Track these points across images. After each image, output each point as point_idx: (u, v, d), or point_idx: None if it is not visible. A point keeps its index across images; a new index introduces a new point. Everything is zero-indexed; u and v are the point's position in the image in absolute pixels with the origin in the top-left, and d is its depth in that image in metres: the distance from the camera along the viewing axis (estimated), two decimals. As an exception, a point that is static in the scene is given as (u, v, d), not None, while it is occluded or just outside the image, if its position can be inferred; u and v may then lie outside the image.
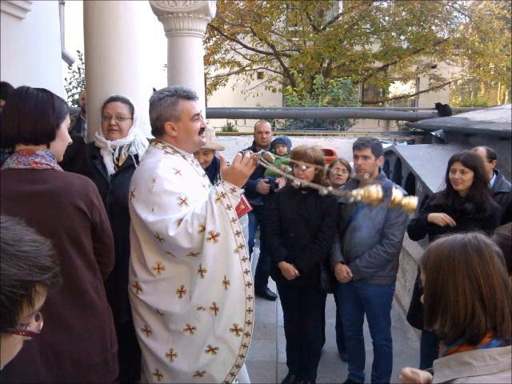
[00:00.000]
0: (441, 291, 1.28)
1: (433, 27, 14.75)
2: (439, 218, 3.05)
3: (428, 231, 3.26)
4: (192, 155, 2.43)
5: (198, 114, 2.30)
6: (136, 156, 2.96)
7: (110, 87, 3.12)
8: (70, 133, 3.42)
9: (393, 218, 3.15)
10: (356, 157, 3.21)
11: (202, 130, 2.34)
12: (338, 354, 4.17)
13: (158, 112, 2.26)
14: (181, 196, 2.12)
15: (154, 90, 4.65)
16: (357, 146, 3.21)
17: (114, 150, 2.91)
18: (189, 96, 2.29)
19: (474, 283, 1.25)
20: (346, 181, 3.83)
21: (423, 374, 1.47)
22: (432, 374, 1.40)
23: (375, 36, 14.92)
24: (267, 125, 5.06)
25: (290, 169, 4.28)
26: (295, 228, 3.27)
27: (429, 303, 1.32)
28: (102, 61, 3.15)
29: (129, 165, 2.91)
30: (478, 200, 3.04)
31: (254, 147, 4.99)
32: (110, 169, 2.89)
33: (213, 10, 5.07)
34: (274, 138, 5.27)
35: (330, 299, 3.86)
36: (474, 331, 1.24)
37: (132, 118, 2.97)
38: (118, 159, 2.96)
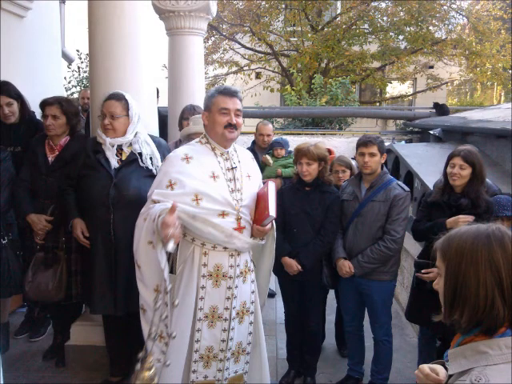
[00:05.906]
0: (462, 282, 1.27)
1: (430, 27, 14.77)
2: (459, 222, 2.93)
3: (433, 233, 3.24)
4: (224, 149, 2.51)
5: (226, 109, 2.41)
6: (140, 154, 2.98)
7: (113, 84, 3.15)
8: (78, 131, 3.49)
9: (394, 214, 3.16)
10: (362, 154, 3.18)
11: (230, 125, 2.43)
12: (337, 350, 4.19)
13: (203, 103, 2.51)
14: (171, 179, 2.32)
15: (157, 89, 4.66)
16: (363, 143, 3.18)
17: (113, 146, 2.96)
18: (224, 92, 2.44)
19: (495, 275, 1.24)
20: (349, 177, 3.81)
21: (441, 371, 1.44)
22: (442, 365, 1.40)
23: (373, 36, 14.93)
24: (269, 127, 4.88)
25: (287, 171, 4.32)
26: (298, 224, 3.29)
27: (449, 294, 1.30)
28: (105, 58, 3.18)
29: (132, 159, 2.95)
30: (472, 196, 3.04)
31: (253, 147, 4.94)
32: (113, 162, 2.94)
33: (214, 9, 5.11)
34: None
35: (330, 296, 3.87)
36: (492, 322, 1.24)
37: (128, 115, 2.97)
38: (120, 153, 3.00)
